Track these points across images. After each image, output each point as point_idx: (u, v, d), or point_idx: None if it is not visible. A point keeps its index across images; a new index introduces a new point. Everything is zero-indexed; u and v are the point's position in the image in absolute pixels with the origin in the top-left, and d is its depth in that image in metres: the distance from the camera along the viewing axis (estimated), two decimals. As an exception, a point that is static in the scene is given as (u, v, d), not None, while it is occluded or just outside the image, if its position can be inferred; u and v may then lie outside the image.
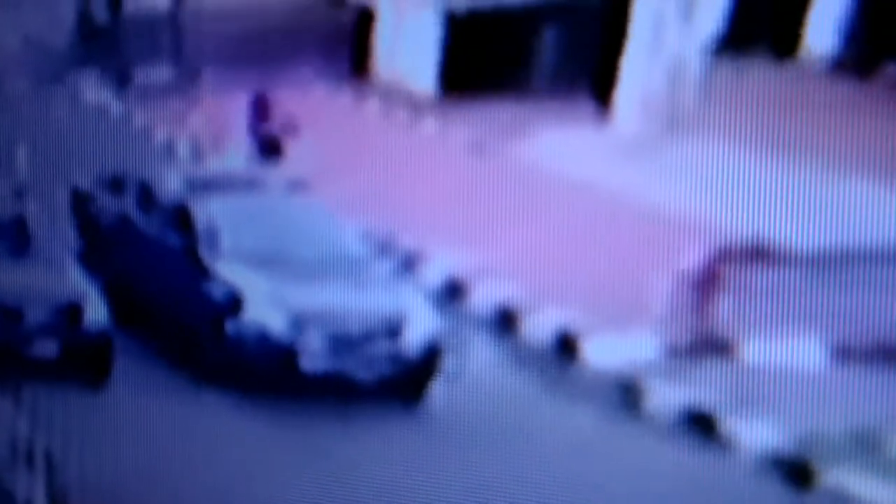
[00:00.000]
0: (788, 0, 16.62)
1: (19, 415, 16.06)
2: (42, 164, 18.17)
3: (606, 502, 14.46)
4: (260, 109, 17.87)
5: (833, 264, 14.76)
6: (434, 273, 16.84)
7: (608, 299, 15.62)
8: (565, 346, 16.08)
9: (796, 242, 15.03)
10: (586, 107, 17.45)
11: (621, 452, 14.67)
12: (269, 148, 17.84)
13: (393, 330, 16.14)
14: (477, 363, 16.06)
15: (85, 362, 16.65)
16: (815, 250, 14.90)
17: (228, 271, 16.66)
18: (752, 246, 15.34)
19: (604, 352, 15.78)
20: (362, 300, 16.42)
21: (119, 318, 16.86)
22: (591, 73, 17.62)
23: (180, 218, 17.27)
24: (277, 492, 15.14)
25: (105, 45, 20.20)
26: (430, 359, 16.06)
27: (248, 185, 17.76)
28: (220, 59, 19.34)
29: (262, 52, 19.18)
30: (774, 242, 15.18)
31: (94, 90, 19.80)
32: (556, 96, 17.72)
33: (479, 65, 18.36)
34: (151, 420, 15.92)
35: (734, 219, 15.46)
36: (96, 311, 16.81)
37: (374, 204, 17.10)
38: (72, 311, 16.73)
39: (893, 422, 13.74)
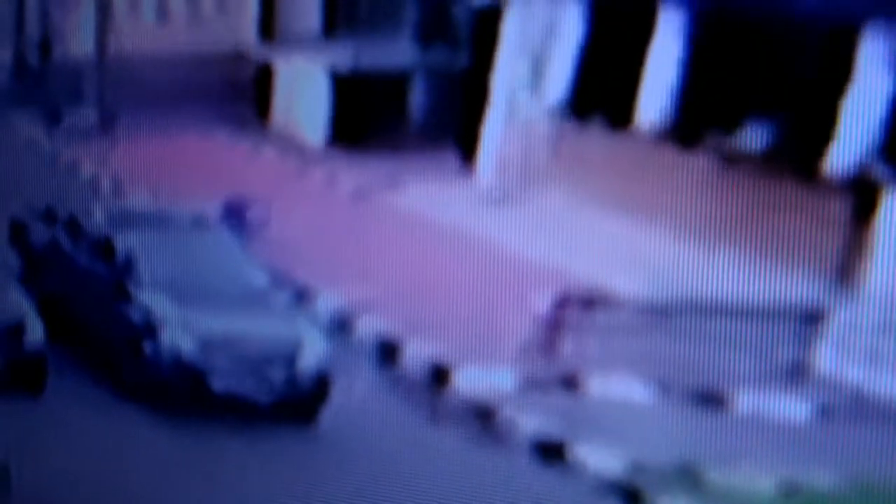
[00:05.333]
0: (622, 76, 16.41)
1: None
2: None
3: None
4: (234, 212, 17.29)
5: (659, 313, 14.58)
6: (323, 306, 16.48)
7: (473, 335, 15.33)
8: (437, 377, 15.73)
9: (628, 291, 14.89)
10: (452, 162, 17.18)
11: (481, 472, 14.34)
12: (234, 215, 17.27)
13: (288, 357, 15.65)
14: (361, 389, 15.71)
15: (24, 375, 16.15)
16: (645, 299, 14.75)
17: (146, 298, 16.13)
18: (592, 292, 15.15)
19: (469, 382, 15.44)
20: (262, 328, 15.90)
21: (52, 335, 16.31)
22: (456, 132, 17.31)
23: (105, 248, 16.68)
24: (182, 497, 14.73)
25: (37, 88, 19.53)
26: (320, 384, 15.58)
27: (161, 220, 17.13)
28: (136, 105, 18.79)
29: (172, 100, 18.64)
30: (610, 290, 15.03)
31: (27, 128, 19.16)
32: (427, 152, 17.38)
33: (361, 121, 18.02)
34: (78, 427, 15.41)
35: (577, 266, 15.31)
36: (35, 331, 16.26)
37: (269, 242, 16.74)
38: (13, 330, 16.16)
39: (712, 456, 13.63)
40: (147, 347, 15.86)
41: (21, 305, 16.47)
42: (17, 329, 16.19)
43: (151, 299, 16.12)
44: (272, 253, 16.63)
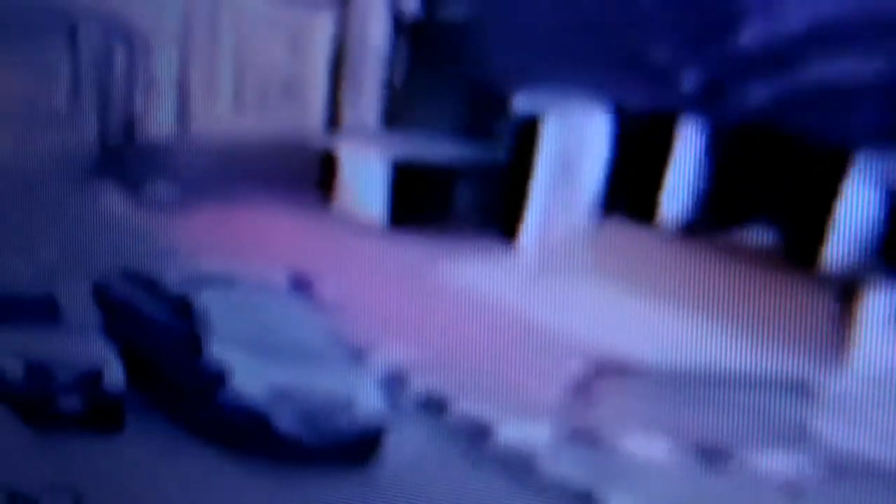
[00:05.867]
0: (647, 177, 17.46)
1: (50, 458, 16.37)
2: (69, 255, 18.43)
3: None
4: (299, 285, 18.30)
5: (676, 381, 15.85)
6: (379, 364, 17.33)
7: (514, 394, 16.25)
8: (482, 429, 16.64)
9: (651, 362, 16.08)
10: (496, 246, 18.12)
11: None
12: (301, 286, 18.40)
13: (347, 406, 16.68)
14: (413, 438, 16.66)
15: (104, 416, 17.06)
16: (664, 369, 15.97)
17: (218, 350, 17.16)
18: (619, 361, 16.35)
19: (509, 436, 16.38)
20: (323, 380, 16.94)
21: (132, 381, 17.28)
22: (500, 216, 18.58)
23: (181, 306, 17.69)
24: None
25: (120, 164, 20.68)
26: (375, 432, 16.59)
27: (233, 282, 18.10)
28: (210, 182, 19.66)
29: (244, 180, 19.55)
30: (635, 360, 16.19)
31: (111, 199, 20.10)
32: (473, 237, 18.36)
33: (417, 204, 19.02)
34: (151, 465, 16.37)
35: (606, 339, 16.40)
36: (114, 375, 17.24)
37: (331, 307, 17.66)
38: (94, 373, 17.15)
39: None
40: (218, 395, 16.82)
41: (102, 352, 17.37)
42: (98, 373, 17.13)
43: (223, 351, 17.09)
44: (334, 316, 17.46)
